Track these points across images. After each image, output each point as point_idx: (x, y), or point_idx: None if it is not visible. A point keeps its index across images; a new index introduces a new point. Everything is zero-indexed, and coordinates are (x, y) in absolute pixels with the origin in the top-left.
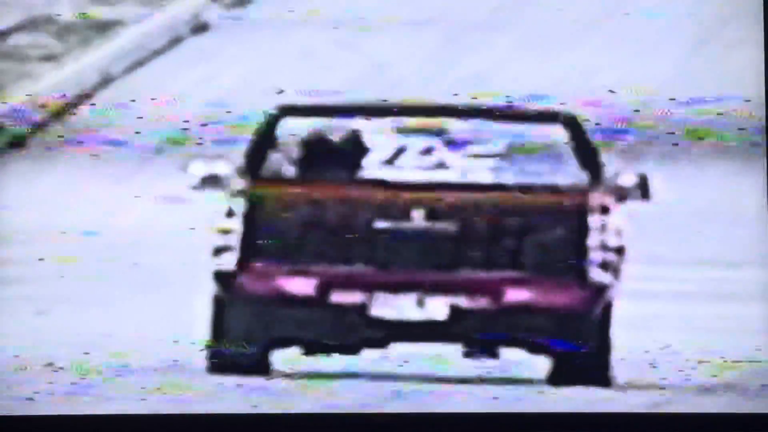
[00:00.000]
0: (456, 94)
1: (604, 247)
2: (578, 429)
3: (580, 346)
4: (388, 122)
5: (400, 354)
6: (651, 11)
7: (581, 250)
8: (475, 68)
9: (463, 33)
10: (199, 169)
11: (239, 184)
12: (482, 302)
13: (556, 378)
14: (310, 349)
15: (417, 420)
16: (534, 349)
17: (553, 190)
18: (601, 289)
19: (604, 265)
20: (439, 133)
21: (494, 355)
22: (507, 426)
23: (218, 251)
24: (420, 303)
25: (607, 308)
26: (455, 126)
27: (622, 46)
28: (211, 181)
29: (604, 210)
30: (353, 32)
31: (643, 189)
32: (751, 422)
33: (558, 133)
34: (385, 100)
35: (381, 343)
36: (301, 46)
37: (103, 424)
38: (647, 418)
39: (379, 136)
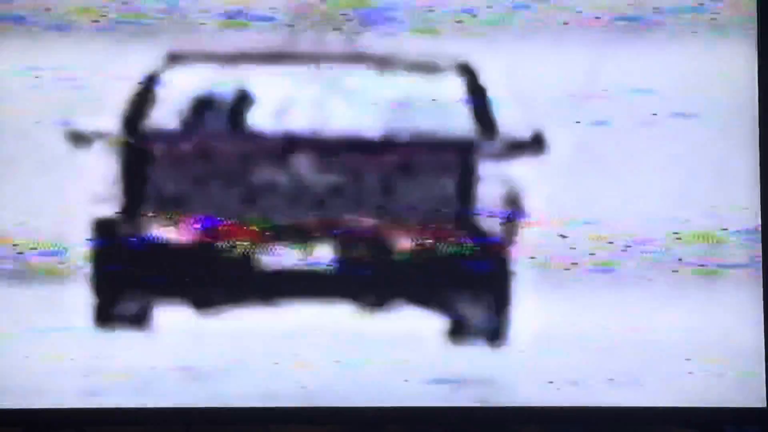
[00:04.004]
0: None
1: (493, 199)
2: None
3: (474, 300)
4: (281, 71)
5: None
6: None
7: (468, 201)
8: None
9: None
10: (85, 124)
11: (120, 136)
12: (369, 252)
13: (454, 334)
14: (198, 305)
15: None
16: (429, 304)
17: (441, 141)
18: (488, 239)
19: (493, 217)
20: (331, 83)
21: (383, 307)
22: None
23: (97, 201)
24: (306, 252)
25: (503, 261)
26: (349, 76)
27: None
28: (96, 137)
29: (494, 162)
30: (130, 27)
31: (537, 143)
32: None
33: (453, 85)
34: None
35: (270, 299)
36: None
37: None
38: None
39: (269, 87)
